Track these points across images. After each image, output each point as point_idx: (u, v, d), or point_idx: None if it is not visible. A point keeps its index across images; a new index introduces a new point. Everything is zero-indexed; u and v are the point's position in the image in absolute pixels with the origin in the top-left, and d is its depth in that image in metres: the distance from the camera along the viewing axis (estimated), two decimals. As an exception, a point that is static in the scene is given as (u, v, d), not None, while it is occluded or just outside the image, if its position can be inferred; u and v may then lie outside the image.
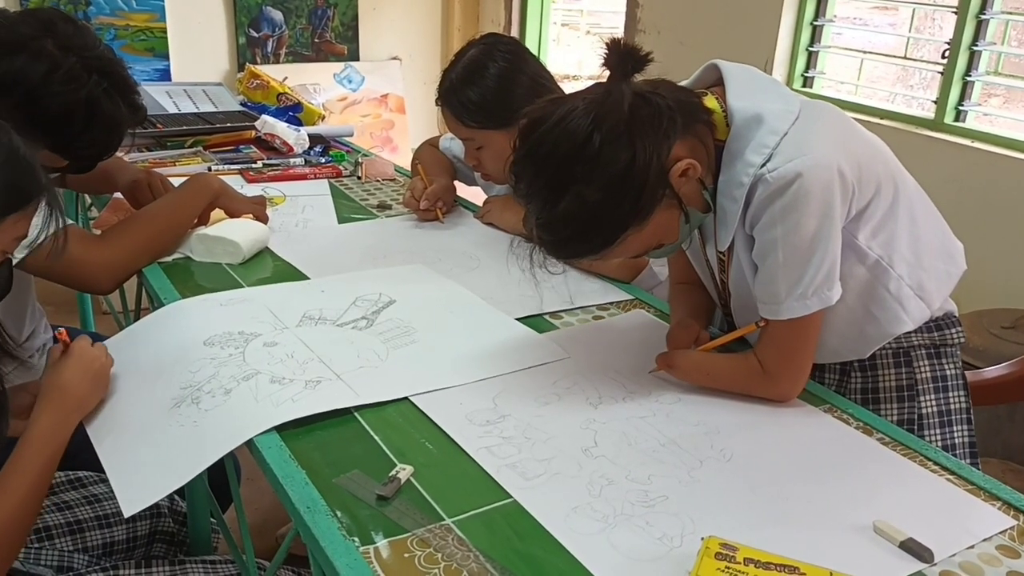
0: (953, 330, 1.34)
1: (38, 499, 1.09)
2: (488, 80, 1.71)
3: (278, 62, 4.61)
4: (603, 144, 1.08)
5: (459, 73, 1.74)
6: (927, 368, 1.33)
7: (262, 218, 1.79)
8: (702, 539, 0.88)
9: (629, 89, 1.10)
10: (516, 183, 1.16)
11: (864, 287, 1.24)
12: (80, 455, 1.20)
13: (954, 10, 2.94)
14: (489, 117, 1.72)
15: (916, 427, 1.32)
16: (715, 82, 1.23)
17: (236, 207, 1.76)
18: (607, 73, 1.12)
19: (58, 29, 1.43)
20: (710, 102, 1.19)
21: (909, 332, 1.29)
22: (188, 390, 1.17)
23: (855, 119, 1.29)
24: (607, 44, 1.11)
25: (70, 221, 1.49)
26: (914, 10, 3.42)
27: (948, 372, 1.35)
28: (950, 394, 1.35)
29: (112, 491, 1.46)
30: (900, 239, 1.24)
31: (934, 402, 1.33)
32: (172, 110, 2.56)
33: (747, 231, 1.19)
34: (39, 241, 1.09)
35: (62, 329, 1.26)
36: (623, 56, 1.10)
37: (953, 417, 1.35)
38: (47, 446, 1.11)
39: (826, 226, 1.13)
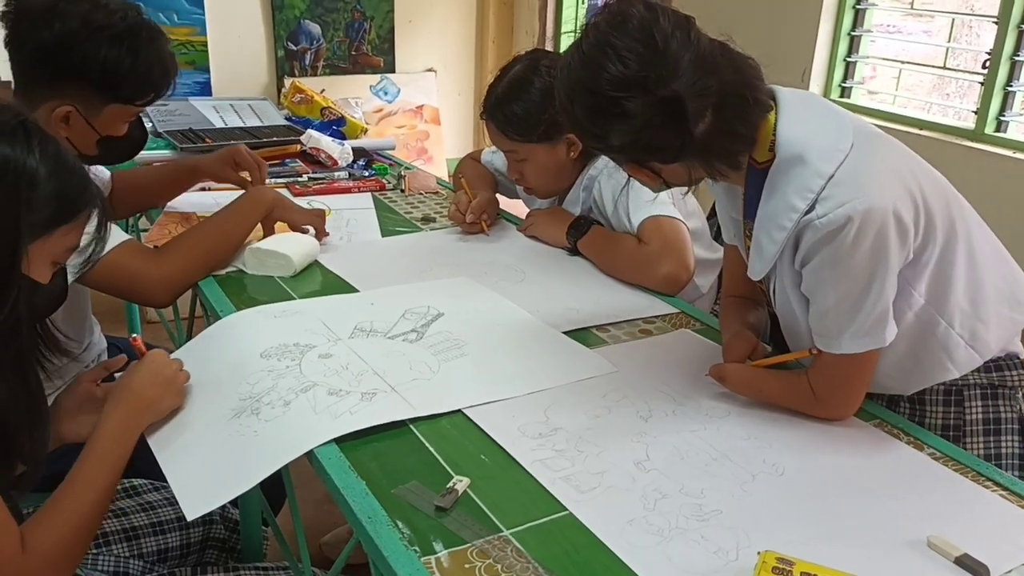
0: (1014, 372, 1.27)
1: (107, 496, 1.11)
2: (533, 95, 1.73)
3: (316, 74, 4.67)
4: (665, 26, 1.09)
5: (504, 88, 1.77)
6: (979, 409, 1.27)
7: (321, 230, 1.83)
8: (758, 553, 0.89)
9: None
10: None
11: (911, 332, 1.20)
12: (134, 463, 1.23)
13: (994, 20, 2.93)
14: (533, 131, 1.75)
15: None
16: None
17: (294, 217, 1.80)
18: None
19: None
20: (770, 120, 1.16)
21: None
22: (248, 401, 1.20)
23: (894, 130, 1.26)
24: None
25: (128, 236, 1.54)
26: (953, 19, 3.40)
27: (1003, 415, 1.28)
28: (1003, 438, 1.28)
29: (166, 499, 1.51)
30: (955, 285, 1.19)
31: (982, 445, 1.27)
32: (219, 125, 2.61)
33: (796, 267, 1.17)
34: (89, 253, 1.11)
35: (136, 336, 1.30)
36: None
37: (1003, 462, 1.28)
38: (115, 445, 1.14)
39: (880, 271, 1.10)
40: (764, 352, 1.30)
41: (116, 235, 1.52)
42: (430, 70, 5.04)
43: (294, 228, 1.79)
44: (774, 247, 1.16)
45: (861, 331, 1.13)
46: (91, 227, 1.10)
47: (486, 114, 1.81)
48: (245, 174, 1.98)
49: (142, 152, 2.31)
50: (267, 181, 2.24)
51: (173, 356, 1.29)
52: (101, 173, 1.95)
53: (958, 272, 1.19)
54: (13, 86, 1.54)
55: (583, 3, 4.89)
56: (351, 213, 2.08)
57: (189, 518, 1.05)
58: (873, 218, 1.07)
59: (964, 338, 1.22)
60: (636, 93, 1.08)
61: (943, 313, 1.20)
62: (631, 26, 1.10)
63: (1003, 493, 1.06)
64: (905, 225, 1.10)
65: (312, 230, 1.82)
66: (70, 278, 1.19)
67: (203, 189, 2.15)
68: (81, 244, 1.09)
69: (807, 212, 1.10)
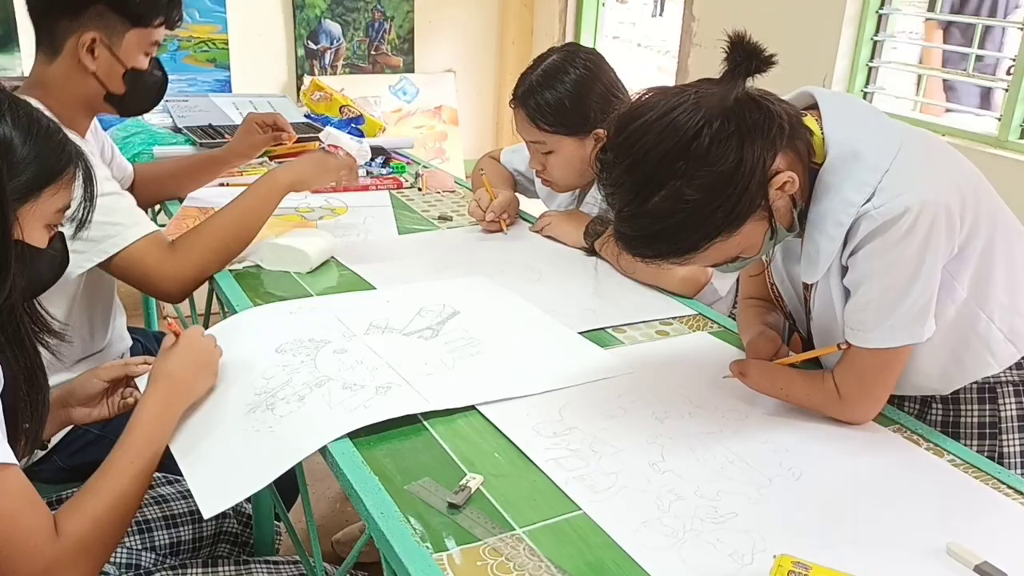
0: None
1: (143, 484, 1.11)
2: (566, 85, 1.73)
3: (335, 74, 4.69)
4: (712, 143, 1.03)
5: (538, 76, 1.76)
6: (1013, 406, 1.27)
7: (353, 177, 1.85)
8: (774, 557, 0.88)
9: (746, 90, 1.06)
10: (603, 171, 1.11)
11: (952, 327, 1.19)
12: None
13: (1020, 26, 2.90)
14: (562, 122, 1.74)
15: None
16: (807, 106, 1.20)
17: (323, 179, 1.81)
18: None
19: None
20: (810, 123, 1.15)
21: None
22: (263, 396, 1.20)
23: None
24: (731, 38, 1.04)
25: (155, 228, 1.54)
26: (977, 26, 3.37)
27: None
28: None
29: (179, 492, 1.51)
30: (996, 280, 1.19)
31: (1018, 441, 1.27)
32: (238, 121, 2.62)
33: (842, 262, 1.16)
34: (80, 214, 1.10)
35: (171, 320, 1.30)
36: (748, 54, 1.04)
37: None
38: (153, 431, 1.13)
39: (928, 262, 1.10)
40: (787, 354, 1.29)
41: (144, 225, 1.52)
42: (449, 71, 5.05)
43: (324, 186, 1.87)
44: (833, 244, 1.14)
45: (900, 324, 1.12)
46: (79, 190, 1.10)
47: (516, 101, 1.79)
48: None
49: (163, 148, 2.34)
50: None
51: (207, 333, 1.31)
52: (123, 166, 1.96)
53: (998, 267, 1.19)
54: (35, 40, 1.56)
55: (603, 5, 4.88)
56: (368, 211, 2.09)
57: (206, 516, 1.05)
58: (928, 210, 1.08)
59: (1004, 332, 1.22)
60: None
61: (984, 307, 1.20)
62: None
63: (1024, 501, 1.05)
64: (953, 219, 1.11)
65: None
66: (70, 244, 1.18)
67: (221, 184, 2.15)
68: (73, 205, 1.09)
69: (864, 204, 1.10)
